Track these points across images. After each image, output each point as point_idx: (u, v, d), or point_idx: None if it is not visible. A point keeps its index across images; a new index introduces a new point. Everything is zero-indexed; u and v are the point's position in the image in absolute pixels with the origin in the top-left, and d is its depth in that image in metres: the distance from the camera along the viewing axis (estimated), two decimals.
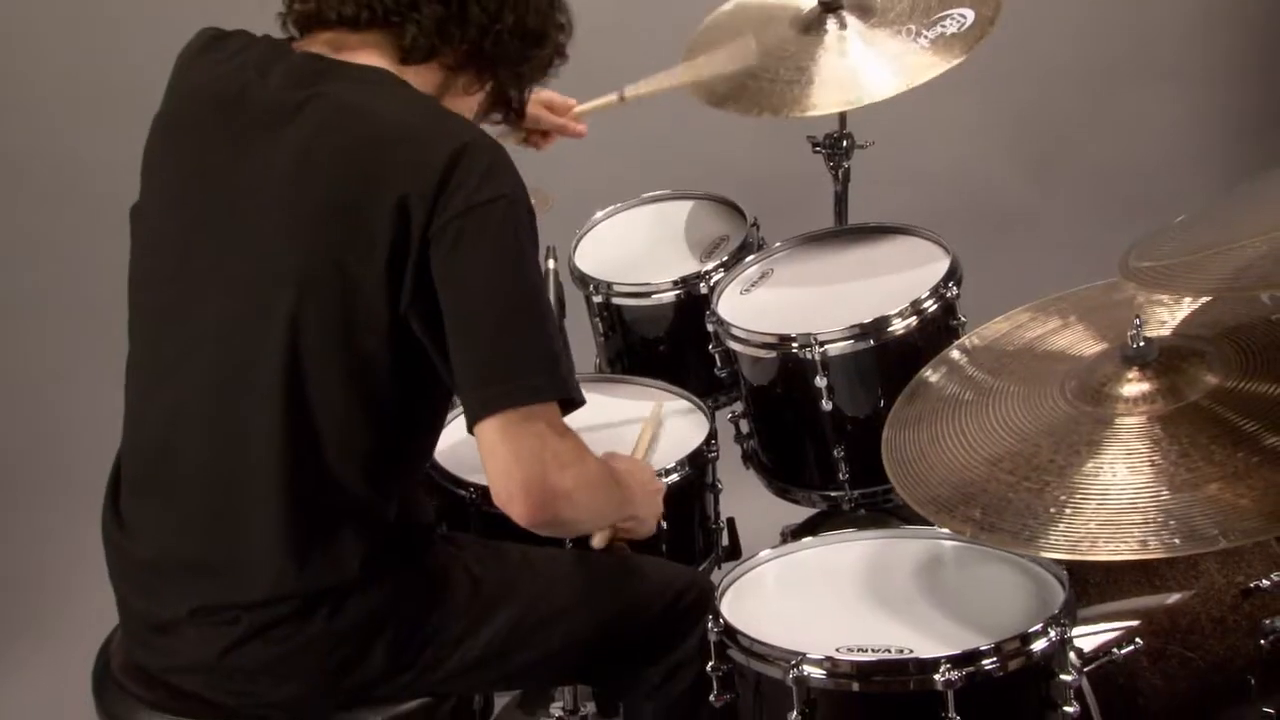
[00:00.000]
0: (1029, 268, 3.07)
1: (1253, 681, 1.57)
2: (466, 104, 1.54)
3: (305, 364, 1.40)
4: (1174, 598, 1.68)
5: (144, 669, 1.53)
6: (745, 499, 2.01)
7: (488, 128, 1.55)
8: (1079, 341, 1.59)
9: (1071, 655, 1.45)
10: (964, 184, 3.22)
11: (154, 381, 1.50)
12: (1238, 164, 3.31)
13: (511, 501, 1.40)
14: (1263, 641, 1.47)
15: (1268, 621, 1.47)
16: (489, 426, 1.39)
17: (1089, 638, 1.60)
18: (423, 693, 1.51)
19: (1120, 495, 1.34)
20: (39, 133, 2.97)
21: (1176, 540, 1.27)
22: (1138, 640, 1.58)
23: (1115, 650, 1.56)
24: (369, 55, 1.47)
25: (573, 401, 1.44)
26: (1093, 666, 1.50)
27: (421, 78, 1.49)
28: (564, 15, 1.57)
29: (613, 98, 1.95)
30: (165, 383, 1.48)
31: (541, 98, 1.88)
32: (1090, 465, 1.38)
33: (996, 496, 1.40)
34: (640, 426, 1.89)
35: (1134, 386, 1.44)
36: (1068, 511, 1.35)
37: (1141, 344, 1.45)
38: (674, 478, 1.79)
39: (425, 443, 1.56)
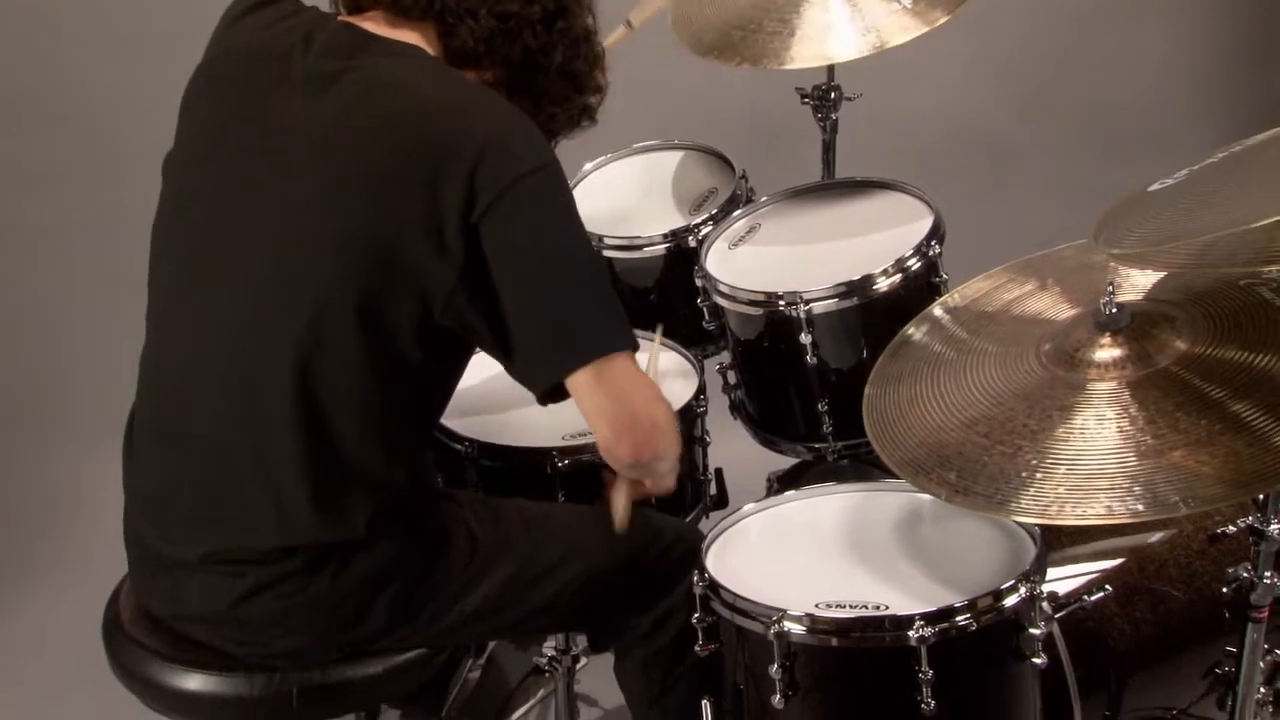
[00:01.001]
0: (1023, 208, 3.08)
1: (1227, 615, 1.60)
2: None
3: (329, 330, 1.42)
4: (1153, 538, 1.73)
5: (152, 615, 1.57)
6: (732, 445, 2.05)
7: None
8: (1055, 304, 1.60)
9: (1044, 605, 1.49)
10: (953, 126, 3.20)
11: (173, 332, 1.52)
12: (1229, 101, 3.30)
13: (619, 442, 1.45)
14: (1225, 590, 1.49)
15: (1231, 570, 1.49)
16: (582, 379, 1.42)
17: (1062, 581, 1.65)
18: (420, 645, 1.56)
19: (1089, 460, 1.36)
20: (53, 68, 2.93)
21: (1140, 506, 1.30)
22: (1107, 587, 1.62)
23: (1085, 597, 1.61)
24: (413, 40, 1.48)
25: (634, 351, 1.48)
26: (1064, 613, 1.55)
27: None
28: (603, 77, 1.58)
29: (621, 29, 1.94)
30: (184, 334, 1.50)
31: None
32: (1062, 430, 1.39)
33: (971, 460, 1.41)
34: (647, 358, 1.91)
35: (1106, 352, 1.45)
36: (1039, 475, 1.36)
37: (1114, 311, 1.45)
38: None
39: (437, 409, 1.59)
